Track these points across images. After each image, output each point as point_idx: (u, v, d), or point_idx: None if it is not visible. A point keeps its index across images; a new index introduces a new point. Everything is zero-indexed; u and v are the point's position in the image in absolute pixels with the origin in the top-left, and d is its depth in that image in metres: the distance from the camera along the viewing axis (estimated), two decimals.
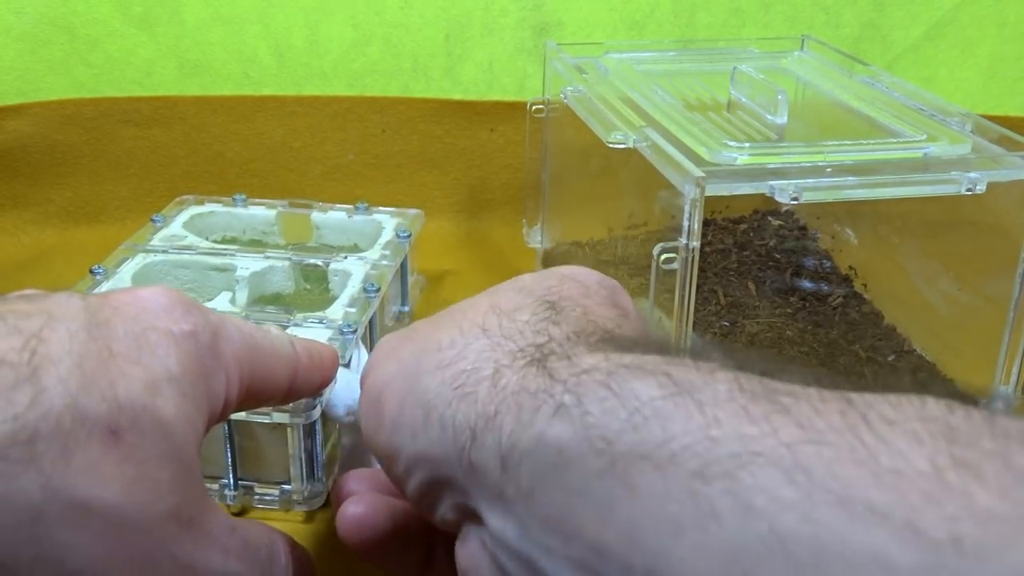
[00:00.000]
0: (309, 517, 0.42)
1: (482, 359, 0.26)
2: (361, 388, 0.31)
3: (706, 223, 0.60)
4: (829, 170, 0.42)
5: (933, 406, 0.19)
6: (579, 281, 0.30)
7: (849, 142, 0.45)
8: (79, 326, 0.26)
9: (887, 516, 0.17)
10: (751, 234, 0.61)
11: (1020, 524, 0.16)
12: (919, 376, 0.51)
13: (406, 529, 0.31)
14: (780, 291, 0.56)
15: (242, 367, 0.31)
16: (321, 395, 0.39)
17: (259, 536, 0.30)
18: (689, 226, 0.40)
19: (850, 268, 0.59)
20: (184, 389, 0.27)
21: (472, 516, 0.25)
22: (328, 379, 0.36)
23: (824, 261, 0.60)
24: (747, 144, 0.45)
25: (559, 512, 0.22)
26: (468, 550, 0.26)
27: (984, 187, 0.42)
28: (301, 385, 0.34)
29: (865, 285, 0.58)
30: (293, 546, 0.32)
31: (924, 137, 0.46)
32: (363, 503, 0.31)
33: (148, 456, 0.25)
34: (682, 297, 0.41)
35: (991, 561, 0.16)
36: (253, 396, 0.32)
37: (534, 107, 0.60)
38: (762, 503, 0.18)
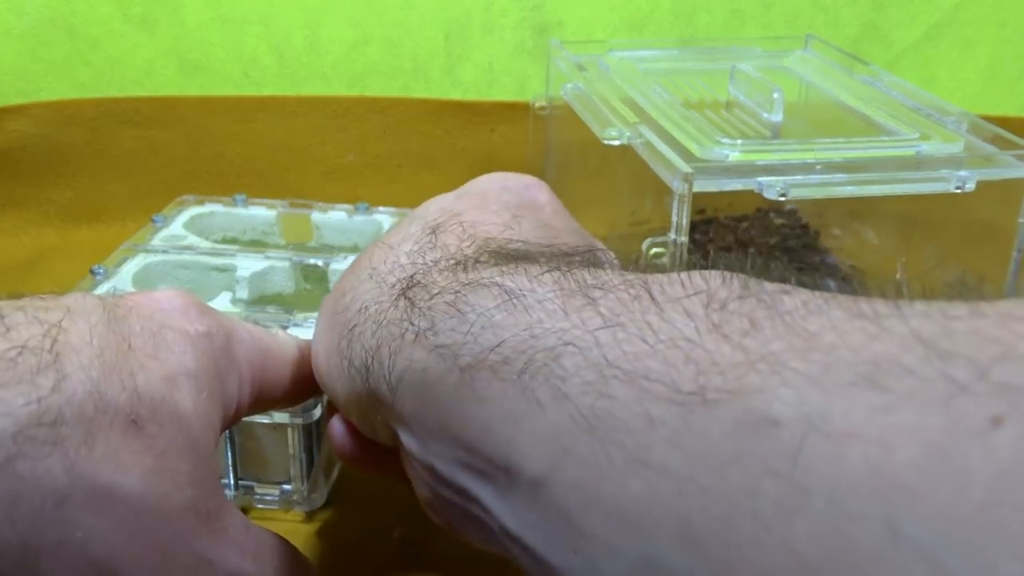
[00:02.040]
0: (309, 517, 0.42)
1: (369, 298, 0.29)
2: None
3: (708, 221, 0.60)
4: (819, 167, 0.42)
5: (713, 280, 0.22)
6: (480, 191, 0.33)
7: (841, 140, 0.45)
8: (98, 319, 0.26)
9: (658, 381, 0.20)
10: (753, 232, 0.61)
11: (748, 367, 0.19)
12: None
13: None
14: None
15: (254, 370, 0.31)
16: (323, 396, 0.39)
17: (271, 540, 0.31)
18: (677, 221, 0.40)
19: (851, 267, 0.59)
20: (201, 385, 0.28)
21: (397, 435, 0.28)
22: None
23: (826, 259, 0.60)
24: (739, 141, 0.45)
25: (437, 425, 0.25)
26: (405, 462, 0.28)
27: (973, 185, 0.42)
28: (307, 389, 0.34)
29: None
30: (300, 558, 0.32)
31: (917, 135, 0.46)
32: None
33: (168, 447, 0.26)
34: None
35: (724, 402, 0.19)
36: (263, 399, 0.32)
37: (537, 105, 0.60)
38: (571, 387, 0.21)
